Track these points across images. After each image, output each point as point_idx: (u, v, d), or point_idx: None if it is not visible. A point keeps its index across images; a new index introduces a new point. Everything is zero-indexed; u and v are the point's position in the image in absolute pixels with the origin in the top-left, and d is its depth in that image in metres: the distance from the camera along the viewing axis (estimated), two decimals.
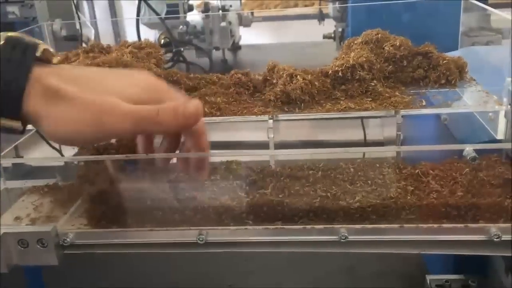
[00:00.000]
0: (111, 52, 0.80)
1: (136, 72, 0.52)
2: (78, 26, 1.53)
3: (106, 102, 0.44)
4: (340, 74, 0.70)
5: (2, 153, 0.74)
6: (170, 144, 0.53)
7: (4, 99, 0.40)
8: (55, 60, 0.46)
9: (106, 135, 0.45)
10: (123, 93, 0.45)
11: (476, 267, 0.72)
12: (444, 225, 0.53)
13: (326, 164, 0.60)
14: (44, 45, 0.44)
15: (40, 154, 0.89)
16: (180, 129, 0.48)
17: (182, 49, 1.71)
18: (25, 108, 0.41)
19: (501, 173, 0.57)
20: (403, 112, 0.65)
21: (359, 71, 0.69)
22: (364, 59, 0.70)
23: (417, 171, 0.59)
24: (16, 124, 0.41)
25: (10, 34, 0.43)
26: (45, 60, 0.45)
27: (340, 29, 1.60)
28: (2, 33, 0.43)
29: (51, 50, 0.45)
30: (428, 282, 0.76)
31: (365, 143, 0.93)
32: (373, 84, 0.70)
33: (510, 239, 0.52)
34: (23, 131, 0.43)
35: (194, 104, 0.47)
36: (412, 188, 0.56)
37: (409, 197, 0.55)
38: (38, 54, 0.44)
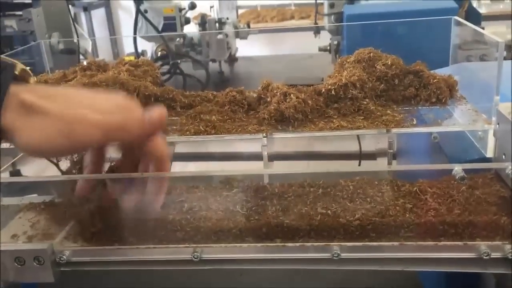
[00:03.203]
0: (108, 70, 0.81)
1: (110, 92, 0.54)
2: (75, 40, 1.54)
3: (77, 112, 0.47)
4: (333, 92, 0.71)
5: (2, 168, 0.75)
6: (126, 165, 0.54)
7: None
8: (31, 80, 0.48)
9: (77, 145, 0.47)
10: (95, 106, 0.48)
11: (467, 283, 0.73)
12: (435, 243, 0.54)
13: (326, 181, 0.61)
14: (21, 66, 0.47)
15: (37, 168, 0.89)
16: (146, 136, 0.50)
17: (179, 61, 1.72)
18: (2, 121, 0.44)
19: (497, 191, 0.58)
20: (394, 130, 0.67)
21: (352, 90, 0.71)
22: (357, 78, 0.71)
23: (415, 189, 0.60)
24: None
25: None
26: (22, 79, 0.47)
27: (335, 42, 1.61)
28: None
29: (28, 70, 0.47)
30: None
31: (360, 157, 0.94)
32: (365, 102, 0.71)
33: (499, 256, 0.53)
34: None
35: (158, 110, 0.50)
36: (411, 205, 0.58)
37: (407, 215, 0.56)
38: (16, 72, 0.47)
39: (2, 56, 0.47)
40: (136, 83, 0.73)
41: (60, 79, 0.79)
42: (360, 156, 0.98)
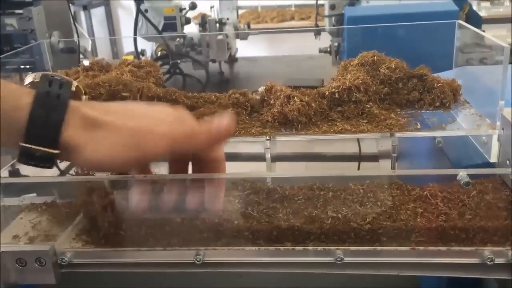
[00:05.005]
0: (110, 70, 0.81)
1: (161, 104, 0.54)
2: (76, 39, 1.53)
3: (143, 124, 0.47)
4: (336, 95, 0.71)
5: (2, 169, 0.74)
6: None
7: (44, 129, 0.42)
8: (83, 98, 0.48)
9: (145, 156, 0.47)
10: (158, 118, 0.48)
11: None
12: (438, 248, 0.54)
13: (336, 184, 0.61)
14: (75, 83, 0.48)
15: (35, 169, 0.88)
16: (213, 145, 0.50)
17: (179, 61, 1.72)
18: (64, 137, 0.43)
19: (501, 197, 0.58)
20: (398, 134, 0.66)
21: (355, 93, 0.71)
22: (360, 81, 0.71)
23: (425, 193, 0.59)
24: (55, 152, 0.43)
25: (44, 72, 0.47)
26: (76, 97, 0.47)
27: (336, 44, 1.61)
28: (37, 73, 0.47)
29: (81, 87, 0.47)
30: None
31: (360, 161, 0.94)
32: (369, 106, 0.71)
33: (503, 262, 0.52)
34: (55, 161, 0.45)
35: (228, 119, 0.49)
36: (421, 210, 0.57)
37: (418, 219, 0.56)
38: (72, 88, 0.46)
39: (58, 74, 0.47)
40: (139, 84, 0.73)
41: None
42: (360, 158, 0.98)
